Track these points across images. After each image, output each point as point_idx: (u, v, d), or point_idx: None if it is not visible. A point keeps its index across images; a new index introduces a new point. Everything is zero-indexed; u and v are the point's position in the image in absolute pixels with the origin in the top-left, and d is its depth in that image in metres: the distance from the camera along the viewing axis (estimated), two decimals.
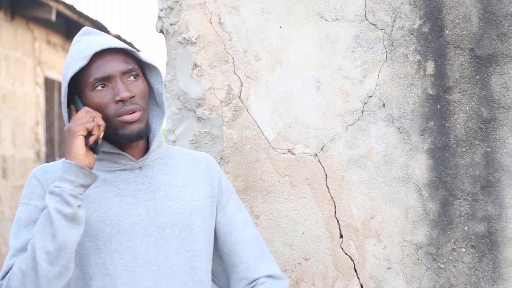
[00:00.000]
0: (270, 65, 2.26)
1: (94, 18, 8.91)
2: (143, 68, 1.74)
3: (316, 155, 2.22)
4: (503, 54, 2.14)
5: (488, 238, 2.12)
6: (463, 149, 2.15)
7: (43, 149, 8.22)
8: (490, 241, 2.12)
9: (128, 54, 1.69)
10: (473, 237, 2.13)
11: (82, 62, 1.61)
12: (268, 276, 1.76)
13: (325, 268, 2.19)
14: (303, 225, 2.21)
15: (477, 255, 2.12)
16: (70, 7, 8.28)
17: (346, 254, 2.19)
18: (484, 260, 2.12)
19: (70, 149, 1.54)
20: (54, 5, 7.85)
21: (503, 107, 2.13)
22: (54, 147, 8.80)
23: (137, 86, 1.65)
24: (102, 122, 1.58)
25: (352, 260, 2.18)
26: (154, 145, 1.71)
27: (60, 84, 8.82)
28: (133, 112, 1.62)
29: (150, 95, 1.76)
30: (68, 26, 8.97)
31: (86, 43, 1.67)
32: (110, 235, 1.61)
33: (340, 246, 2.19)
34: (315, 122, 2.22)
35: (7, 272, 1.52)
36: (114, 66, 1.63)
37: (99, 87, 1.62)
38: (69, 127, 1.57)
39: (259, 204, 2.24)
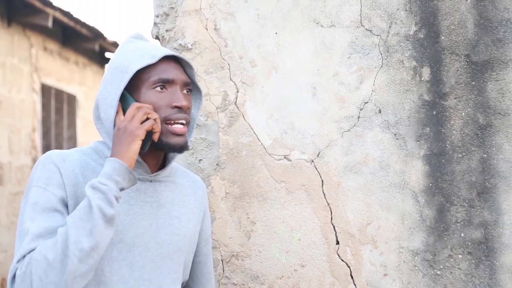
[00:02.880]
0: (266, 71, 2.26)
1: (91, 25, 8.91)
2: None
3: (312, 161, 2.21)
4: (499, 60, 2.14)
5: (485, 244, 2.11)
6: (459, 155, 2.15)
7: (39, 155, 8.20)
8: (487, 247, 2.11)
9: (184, 69, 1.70)
10: (469, 244, 2.12)
11: (151, 60, 1.61)
12: None
13: (321, 275, 2.19)
14: (299, 232, 2.20)
15: (473, 261, 2.12)
16: (67, 14, 8.28)
17: (342, 260, 2.18)
18: (480, 267, 2.11)
19: (126, 151, 1.52)
20: (50, 12, 7.84)
21: (499, 113, 2.13)
22: None
23: (189, 100, 1.67)
24: (156, 115, 1.57)
25: (349, 267, 2.18)
26: (172, 164, 1.73)
27: (56, 90, 8.81)
28: (184, 124, 1.62)
29: None
30: (64, 33, 8.96)
31: (147, 45, 1.68)
32: (113, 242, 1.58)
33: (337, 253, 2.19)
34: (311, 128, 2.22)
35: (24, 256, 1.46)
36: (178, 74, 1.64)
37: (159, 88, 1.62)
38: (126, 127, 1.54)
39: (255, 210, 2.23)
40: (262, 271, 2.22)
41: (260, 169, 2.23)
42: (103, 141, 1.68)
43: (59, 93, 8.94)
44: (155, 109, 1.60)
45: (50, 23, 7.88)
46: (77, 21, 8.54)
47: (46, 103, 8.65)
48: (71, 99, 9.27)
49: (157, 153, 1.68)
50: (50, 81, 8.61)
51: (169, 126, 1.61)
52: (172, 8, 2.33)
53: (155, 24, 2.37)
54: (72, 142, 9.30)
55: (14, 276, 1.46)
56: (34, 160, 8.02)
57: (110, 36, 9.45)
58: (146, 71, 1.63)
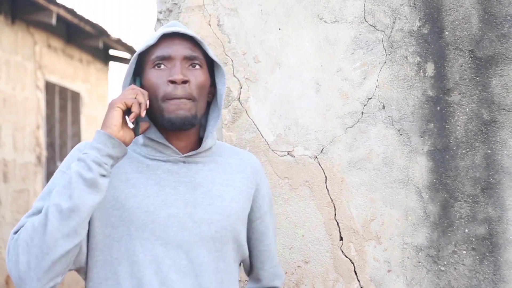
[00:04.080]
0: (270, 67, 2.25)
1: (95, 22, 8.91)
2: (212, 66, 1.74)
3: (316, 157, 2.21)
4: (503, 55, 2.13)
5: (489, 240, 2.11)
6: (463, 151, 2.14)
7: (44, 153, 8.21)
8: (491, 243, 2.11)
9: (198, 46, 1.68)
10: (473, 240, 2.12)
11: (151, 42, 1.63)
12: None
13: (325, 271, 2.18)
14: (303, 228, 2.20)
15: (477, 257, 2.11)
16: (71, 11, 8.28)
17: (346, 256, 2.18)
18: (485, 263, 2.11)
19: (106, 119, 1.56)
20: (54, 9, 7.84)
21: (504, 109, 2.12)
22: (55, 151, 8.80)
23: (196, 74, 1.65)
24: (143, 100, 1.58)
25: (352, 263, 2.17)
26: (204, 146, 1.70)
27: (60, 88, 8.82)
28: (180, 98, 1.61)
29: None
30: (68, 30, 8.96)
31: (161, 29, 1.69)
32: (145, 222, 1.59)
33: (340, 249, 2.18)
34: (314, 124, 2.22)
35: (21, 227, 1.53)
36: (178, 49, 1.64)
37: (157, 66, 1.63)
38: (110, 102, 1.59)
39: None
40: None
41: (264, 165, 2.23)
42: None
43: (63, 90, 8.95)
44: (155, 89, 1.62)
45: (54, 21, 7.89)
46: (81, 18, 8.54)
47: (50, 101, 8.66)
48: (75, 97, 9.28)
49: (182, 134, 1.67)
50: (54, 79, 8.62)
51: (167, 102, 1.61)
52: (175, 4, 2.33)
53: (158, 20, 2.37)
54: (77, 139, 9.31)
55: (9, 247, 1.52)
56: (38, 158, 8.04)
57: (114, 33, 9.45)
58: (149, 53, 1.65)
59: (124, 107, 1.56)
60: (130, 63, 1.67)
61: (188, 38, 1.67)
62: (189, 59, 1.65)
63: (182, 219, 1.62)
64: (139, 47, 1.67)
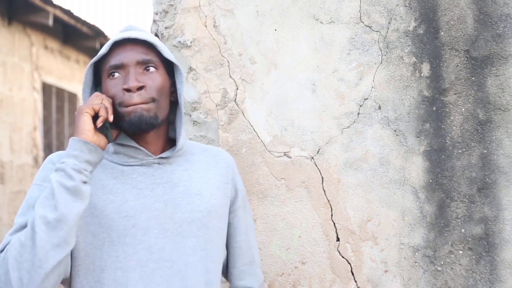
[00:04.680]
0: (266, 68, 2.25)
1: (92, 23, 8.91)
2: (169, 65, 1.73)
3: (312, 158, 2.21)
4: (499, 55, 2.13)
5: (485, 240, 2.11)
6: (459, 151, 2.14)
7: (41, 154, 8.21)
8: (487, 243, 2.11)
9: (153, 48, 1.68)
10: (470, 239, 2.12)
11: (103, 51, 1.64)
12: None
13: (322, 272, 2.18)
14: (299, 229, 2.20)
15: (474, 257, 2.11)
16: (67, 12, 8.28)
17: (343, 257, 2.18)
18: (481, 262, 2.11)
19: (77, 126, 1.56)
20: (51, 10, 7.84)
21: (499, 109, 2.13)
22: (52, 152, 8.79)
23: (152, 78, 1.64)
24: (108, 105, 1.59)
25: (349, 263, 2.18)
26: (178, 146, 1.70)
27: (57, 89, 8.81)
28: (137, 104, 1.61)
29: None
30: (65, 31, 8.96)
31: (116, 36, 1.68)
32: (126, 228, 1.59)
33: (337, 249, 2.18)
34: (311, 125, 2.22)
35: (6, 245, 1.50)
36: (130, 55, 1.64)
37: (111, 75, 1.64)
38: (77, 110, 1.59)
39: (255, 207, 2.23)
40: (263, 268, 2.22)
41: (260, 166, 2.23)
42: None
43: (60, 91, 8.94)
44: (112, 97, 1.62)
45: (50, 22, 7.88)
46: (77, 19, 8.54)
47: (47, 102, 8.66)
48: (72, 98, 9.27)
49: (147, 136, 1.67)
50: (51, 80, 8.62)
51: (124, 109, 1.62)
52: (171, 5, 2.33)
53: (154, 21, 2.37)
54: None
55: None
56: (35, 159, 8.03)
57: (110, 34, 9.44)
58: (104, 62, 1.66)
59: (92, 112, 1.57)
60: (85, 74, 1.67)
61: (142, 41, 1.66)
62: (142, 63, 1.64)
63: (163, 221, 1.62)
64: (93, 59, 1.67)
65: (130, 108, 1.61)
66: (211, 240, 1.68)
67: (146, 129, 1.63)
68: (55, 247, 1.46)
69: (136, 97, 1.60)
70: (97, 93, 1.61)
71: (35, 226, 1.46)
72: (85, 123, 1.55)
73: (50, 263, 1.46)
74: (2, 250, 1.50)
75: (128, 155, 1.67)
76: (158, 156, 1.67)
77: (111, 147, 1.68)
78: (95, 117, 1.58)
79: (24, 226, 1.52)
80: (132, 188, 1.62)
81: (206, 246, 1.67)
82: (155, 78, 1.64)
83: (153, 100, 1.63)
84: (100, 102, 1.58)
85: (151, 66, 1.65)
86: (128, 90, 1.60)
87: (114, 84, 1.62)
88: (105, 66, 1.65)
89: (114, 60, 1.63)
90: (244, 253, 1.81)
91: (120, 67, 1.63)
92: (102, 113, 1.57)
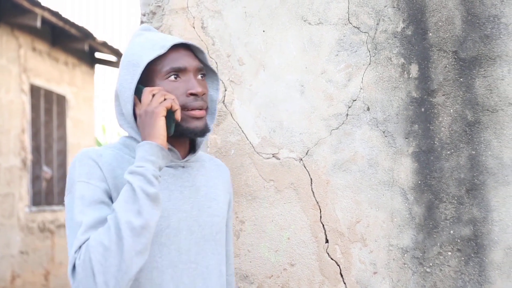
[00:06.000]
0: (254, 70, 2.25)
1: (80, 25, 8.86)
2: None
3: (301, 159, 2.20)
4: (487, 56, 2.13)
5: (474, 241, 2.11)
6: (448, 152, 2.14)
7: (29, 156, 8.16)
8: (476, 244, 2.11)
9: (195, 54, 1.71)
10: (459, 241, 2.12)
11: (161, 51, 1.62)
12: None
13: (311, 274, 2.18)
14: (288, 230, 2.19)
15: (463, 258, 2.11)
16: (56, 14, 8.23)
17: (332, 259, 2.17)
18: (470, 264, 2.11)
19: (153, 130, 1.56)
20: (39, 12, 7.80)
21: (487, 110, 2.13)
22: (40, 154, 8.74)
23: (205, 86, 1.68)
24: (173, 96, 1.59)
25: (338, 265, 2.17)
26: (201, 147, 1.75)
27: (45, 91, 8.76)
28: (201, 109, 1.64)
29: None
30: (53, 33, 8.91)
31: (156, 36, 1.69)
32: (162, 228, 1.61)
33: (326, 251, 2.18)
34: (299, 126, 2.21)
35: (80, 247, 1.48)
36: (190, 61, 1.65)
37: (173, 78, 1.63)
38: (147, 110, 1.57)
39: (244, 209, 2.22)
40: (252, 271, 2.21)
41: (249, 168, 2.22)
42: (129, 136, 1.71)
43: (49, 93, 8.90)
44: None
45: (38, 23, 7.84)
46: (66, 21, 8.50)
47: (36, 104, 8.61)
48: (61, 100, 9.23)
49: (182, 140, 1.70)
50: (39, 82, 8.57)
51: (188, 112, 1.63)
52: (159, 6, 2.31)
53: (141, 22, 2.36)
54: (62, 143, 9.26)
55: (74, 267, 1.48)
56: (24, 161, 7.98)
57: (99, 36, 9.41)
58: (158, 62, 1.64)
59: (165, 113, 1.58)
60: (134, 72, 1.63)
61: (187, 47, 1.69)
62: (199, 70, 1.67)
63: (190, 223, 1.66)
64: (145, 56, 1.63)
65: (196, 113, 1.63)
66: (223, 245, 1.75)
67: (203, 135, 1.67)
68: (139, 253, 1.48)
69: (200, 102, 1.64)
70: (151, 89, 1.60)
71: (121, 231, 1.45)
72: (161, 127, 1.56)
73: (134, 270, 1.47)
74: (78, 250, 1.49)
75: None
76: (184, 160, 1.71)
77: None
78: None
79: (90, 226, 1.50)
80: (164, 189, 1.64)
81: (221, 250, 1.73)
82: (206, 86, 1.69)
83: (207, 107, 1.68)
84: (164, 98, 1.58)
85: (204, 73, 1.69)
86: (193, 94, 1.63)
87: (176, 86, 1.63)
88: (161, 68, 1.64)
89: (177, 63, 1.63)
90: (230, 263, 1.88)
91: (182, 70, 1.64)
92: (176, 107, 1.58)
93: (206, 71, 1.76)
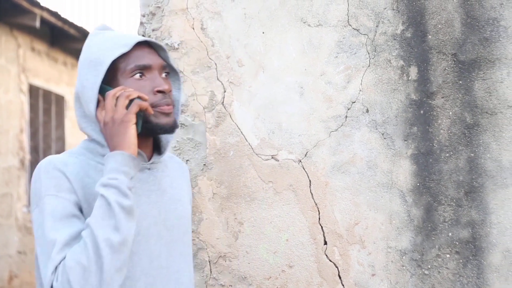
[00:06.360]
0: (253, 71, 2.25)
1: (79, 25, 8.86)
2: None
3: (300, 161, 2.20)
4: (486, 59, 2.14)
5: (472, 244, 2.11)
6: (447, 155, 2.14)
7: (27, 157, 8.15)
8: (474, 246, 2.11)
9: (157, 53, 1.68)
10: (457, 243, 2.12)
11: (125, 48, 1.58)
12: None
13: (309, 275, 2.18)
14: (287, 232, 2.19)
15: (461, 261, 2.11)
16: (55, 14, 8.23)
17: (330, 261, 2.17)
18: (468, 266, 2.11)
19: (123, 139, 1.50)
20: (38, 12, 7.80)
21: (486, 112, 2.13)
22: (39, 154, 8.74)
23: (169, 83, 1.64)
24: (136, 93, 1.54)
25: (337, 267, 2.17)
26: (167, 147, 1.70)
27: (44, 91, 8.76)
28: (169, 105, 1.60)
29: None
30: (52, 33, 8.91)
31: (117, 35, 1.64)
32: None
33: (324, 253, 2.18)
34: (298, 128, 2.21)
35: (56, 267, 1.43)
36: (154, 59, 1.62)
37: (138, 76, 1.59)
38: (114, 119, 1.51)
39: (242, 211, 2.22)
40: (250, 272, 2.21)
41: (248, 170, 2.22)
42: (91, 139, 1.64)
43: (47, 93, 8.89)
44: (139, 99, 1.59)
45: (37, 23, 7.84)
46: (65, 21, 8.50)
47: (34, 104, 8.60)
48: (59, 100, 9.22)
49: (147, 140, 1.65)
50: (38, 82, 8.57)
51: (156, 108, 1.59)
52: (159, 7, 2.31)
53: (141, 23, 2.36)
54: (61, 143, 9.25)
55: None
56: (22, 161, 7.97)
57: None
58: (121, 61, 1.59)
59: (135, 120, 1.52)
60: (98, 71, 1.58)
61: (149, 45, 1.64)
62: (163, 68, 1.63)
63: (159, 228, 1.61)
64: (109, 55, 1.58)
65: (165, 108, 1.59)
66: (190, 245, 1.72)
67: (172, 131, 1.63)
68: (118, 270, 1.44)
69: (167, 98, 1.60)
70: (113, 92, 1.54)
71: (100, 249, 1.41)
72: (132, 136, 1.51)
73: (114, 287, 1.43)
74: (54, 271, 1.44)
75: None
76: (150, 162, 1.66)
77: (106, 149, 1.62)
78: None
79: (68, 243, 1.45)
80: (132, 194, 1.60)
81: (188, 251, 1.69)
82: (170, 84, 1.65)
83: (174, 105, 1.64)
84: (128, 99, 1.53)
85: (167, 72, 1.66)
86: (161, 92, 1.59)
87: (142, 85, 1.59)
88: (125, 66, 1.59)
89: (141, 60, 1.59)
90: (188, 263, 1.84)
91: (147, 68, 1.60)
92: (144, 106, 1.53)
93: (168, 70, 1.71)
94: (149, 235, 1.59)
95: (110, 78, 1.60)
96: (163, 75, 1.63)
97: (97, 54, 1.59)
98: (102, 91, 1.58)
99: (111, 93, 1.54)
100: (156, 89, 1.58)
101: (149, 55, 1.62)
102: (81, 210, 1.52)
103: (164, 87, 1.59)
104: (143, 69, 1.60)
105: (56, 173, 1.53)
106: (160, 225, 1.62)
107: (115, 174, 1.47)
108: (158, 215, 1.62)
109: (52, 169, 1.54)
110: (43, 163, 1.55)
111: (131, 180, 1.50)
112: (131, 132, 1.51)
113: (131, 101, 1.54)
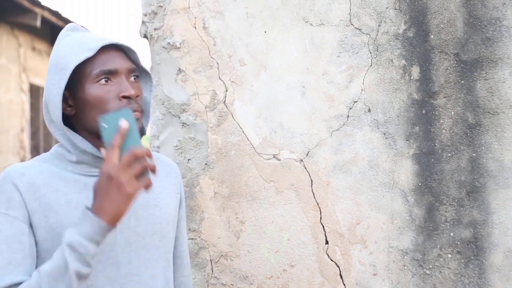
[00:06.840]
0: (255, 70, 2.24)
1: (80, 24, 8.87)
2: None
3: (302, 160, 2.20)
4: (488, 58, 2.14)
5: (474, 244, 2.11)
6: (449, 154, 2.14)
7: (28, 156, 8.15)
8: (476, 246, 2.11)
9: (126, 55, 1.63)
10: (459, 243, 2.12)
11: (89, 53, 1.53)
12: None
13: (310, 275, 2.18)
14: (288, 231, 2.19)
15: (463, 261, 2.11)
16: (55, 14, 8.24)
17: (331, 260, 2.17)
18: (470, 266, 2.11)
19: (114, 210, 1.42)
20: (39, 11, 7.80)
21: (488, 112, 2.13)
22: (40, 154, 8.74)
23: (138, 87, 1.59)
24: (146, 150, 1.45)
25: (338, 267, 2.17)
26: None
27: None
28: (136, 111, 1.54)
29: None
30: (53, 32, 8.92)
31: (84, 37, 1.59)
32: None
33: (326, 253, 2.18)
34: (300, 127, 2.21)
35: None
36: (121, 62, 1.57)
37: (103, 81, 1.54)
38: (119, 180, 1.41)
39: (244, 210, 2.22)
40: (251, 271, 2.21)
41: (249, 169, 2.22)
42: (61, 144, 1.61)
43: None
44: (104, 103, 1.53)
45: (38, 23, 7.85)
46: (66, 20, 8.51)
47: (35, 103, 8.61)
48: None
49: None
50: (38, 81, 8.57)
51: None
52: (161, 6, 2.31)
53: (143, 22, 2.36)
54: None
55: None
56: (22, 161, 7.98)
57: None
58: (87, 65, 1.55)
59: (138, 196, 1.48)
60: (62, 76, 1.53)
61: (119, 47, 1.60)
62: (131, 71, 1.58)
63: (127, 234, 1.58)
64: (73, 59, 1.54)
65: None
66: (169, 250, 1.67)
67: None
68: None
69: (134, 104, 1.54)
70: (139, 157, 1.43)
71: None
72: (124, 211, 1.43)
73: None
74: None
75: (92, 165, 1.60)
76: None
77: (73, 156, 1.59)
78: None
79: (7, 272, 1.44)
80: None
81: (166, 256, 1.65)
82: (140, 88, 1.60)
83: (142, 110, 1.59)
84: (142, 171, 1.43)
85: (137, 75, 1.61)
86: (126, 97, 1.54)
87: (107, 90, 1.53)
88: (90, 70, 1.54)
89: (106, 65, 1.54)
90: (185, 265, 1.80)
91: (113, 73, 1.55)
92: (150, 183, 1.45)
93: (139, 72, 1.67)
94: (115, 243, 1.55)
95: (77, 84, 1.55)
96: (132, 78, 1.58)
97: (63, 59, 1.55)
98: (126, 115, 1.48)
99: (135, 152, 1.44)
100: (121, 94, 1.53)
101: (116, 58, 1.57)
102: (31, 223, 1.49)
103: (130, 92, 1.53)
104: (109, 74, 1.54)
105: (8, 186, 1.50)
106: (129, 232, 1.58)
107: (85, 240, 1.42)
108: (127, 222, 1.57)
109: (5, 183, 1.51)
110: (1, 174, 1.52)
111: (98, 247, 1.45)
112: (125, 208, 1.43)
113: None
